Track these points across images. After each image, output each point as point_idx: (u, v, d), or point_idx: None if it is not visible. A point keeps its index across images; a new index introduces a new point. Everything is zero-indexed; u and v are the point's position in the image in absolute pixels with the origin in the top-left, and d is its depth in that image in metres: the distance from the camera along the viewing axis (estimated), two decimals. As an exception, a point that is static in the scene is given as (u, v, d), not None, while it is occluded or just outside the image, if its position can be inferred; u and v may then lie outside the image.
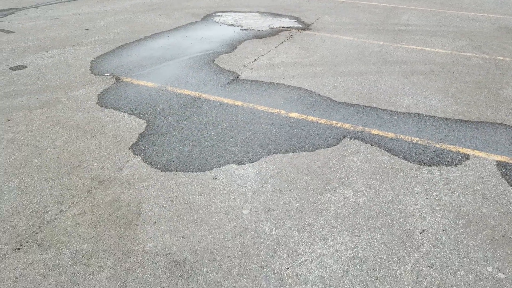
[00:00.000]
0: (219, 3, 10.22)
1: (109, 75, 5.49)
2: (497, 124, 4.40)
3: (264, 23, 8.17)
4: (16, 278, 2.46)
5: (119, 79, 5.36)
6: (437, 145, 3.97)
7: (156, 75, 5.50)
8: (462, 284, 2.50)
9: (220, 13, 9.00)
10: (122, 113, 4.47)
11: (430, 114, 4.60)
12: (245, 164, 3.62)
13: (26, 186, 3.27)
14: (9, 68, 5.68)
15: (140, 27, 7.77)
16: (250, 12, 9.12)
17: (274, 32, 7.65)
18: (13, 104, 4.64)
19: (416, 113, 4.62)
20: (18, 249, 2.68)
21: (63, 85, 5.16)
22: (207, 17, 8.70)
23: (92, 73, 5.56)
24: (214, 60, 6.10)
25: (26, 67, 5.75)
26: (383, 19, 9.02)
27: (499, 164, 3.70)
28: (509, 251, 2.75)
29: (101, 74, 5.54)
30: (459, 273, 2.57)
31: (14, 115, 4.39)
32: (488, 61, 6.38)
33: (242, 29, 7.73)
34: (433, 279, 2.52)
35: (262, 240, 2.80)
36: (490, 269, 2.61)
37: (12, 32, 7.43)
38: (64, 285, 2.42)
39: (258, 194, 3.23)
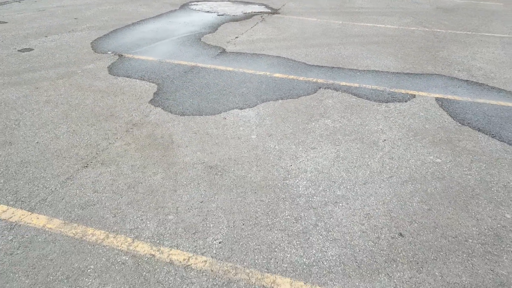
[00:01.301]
0: (191, -6, 11.05)
1: (111, 53, 6.26)
2: (435, 75, 5.61)
3: (237, 10, 9.11)
4: (93, 182, 3.31)
5: (121, 55, 6.15)
6: (391, 90, 5.09)
7: (153, 52, 6.32)
8: (413, 166, 3.59)
9: (196, 2, 9.85)
10: (134, 79, 5.30)
11: (385, 70, 5.75)
12: (245, 109, 4.57)
13: (74, 130, 4.07)
14: (18, 51, 6.32)
15: (125, 15, 8.50)
16: (222, 1, 10.04)
17: (248, 16, 8.62)
18: (35, 77, 5.34)
19: (374, 70, 5.75)
20: (86, 166, 3.51)
21: (74, 62, 5.89)
22: (184, 6, 9.54)
23: (95, 52, 6.30)
24: (201, 39, 6.99)
25: (33, 49, 6.40)
26: (340, 4, 10.21)
27: (437, 99, 4.87)
28: (443, 148, 3.88)
29: (103, 52, 6.30)
30: (411, 160, 3.67)
31: (40, 85, 5.11)
32: (428, 33, 7.67)
33: (218, 15, 8.64)
34: (393, 165, 3.60)
35: (269, 151, 3.77)
36: (431, 157, 3.73)
37: (5, 22, 7.95)
38: (130, 184, 3.29)
39: (260, 126, 4.20)
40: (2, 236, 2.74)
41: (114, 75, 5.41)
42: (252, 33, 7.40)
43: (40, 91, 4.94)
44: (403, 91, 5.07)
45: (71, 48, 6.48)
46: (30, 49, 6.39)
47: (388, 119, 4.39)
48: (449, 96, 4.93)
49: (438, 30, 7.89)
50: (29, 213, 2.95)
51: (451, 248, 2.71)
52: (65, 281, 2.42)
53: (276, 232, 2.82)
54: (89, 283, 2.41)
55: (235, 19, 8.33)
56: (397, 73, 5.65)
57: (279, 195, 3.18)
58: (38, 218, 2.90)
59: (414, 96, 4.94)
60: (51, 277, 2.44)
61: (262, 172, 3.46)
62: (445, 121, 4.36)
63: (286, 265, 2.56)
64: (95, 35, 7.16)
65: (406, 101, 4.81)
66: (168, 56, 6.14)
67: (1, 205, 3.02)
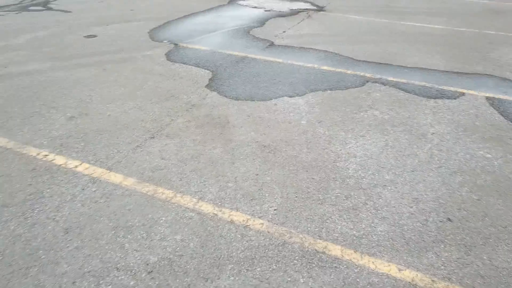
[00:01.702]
0: (239, -9, 11.41)
1: (167, 42, 6.66)
2: (486, 75, 5.64)
3: (284, 6, 9.37)
4: (159, 150, 3.64)
5: (177, 44, 6.53)
6: (440, 87, 5.19)
7: (205, 42, 6.67)
8: (462, 159, 3.71)
9: (244, -2, 10.19)
10: (190, 66, 5.65)
11: (433, 68, 5.83)
12: (295, 97, 4.81)
13: (140, 107, 4.44)
14: (84, 37, 6.83)
15: (177, 8, 8.94)
16: (270, -3, 10.33)
17: (294, 12, 8.86)
18: (102, 60, 5.79)
19: (422, 67, 5.85)
20: (153, 137, 3.86)
21: (134, 48, 6.33)
22: (232, 1, 9.89)
23: (152, 40, 6.73)
24: (249, 32, 7.29)
25: (96, 36, 6.90)
26: (385, 3, 10.27)
27: (487, 98, 4.93)
28: (493, 144, 3.97)
29: (160, 41, 6.71)
30: (460, 154, 3.79)
31: (107, 67, 5.55)
32: (478, 34, 7.65)
33: (265, 10, 8.93)
34: (441, 156, 3.74)
35: (319, 136, 3.99)
36: (481, 152, 3.83)
37: (69, 12, 8.56)
38: (193, 155, 3.60)
39: (310, 113, 4.43)
40: (87, 188, 3.11)
41: (172, 61, 5.79)
42: (298, 28, 7.63)
43: (108, 72, 5.37)
44: (452, 88, 5.15)
45: (130, 36, 6.93)
46: (94, 36, 6.89)
47: (437, 114, 4.51)
48: (500, 96, 4.97)
49: (489, 32, 7.84)
50: (108, 171, 3.31)
51: (501, 237, 2.82)
52: (142, 227, 2.75)
53: (327, 206, 3.04)
54: (162, 231, 2.72)
55: (282, 15, 8.59)
56: (446, 71, 5.72)
57: (329, 175, 3.40)
58: (115, 176, 3.26)
59: (463, 94, 5.02)
60: (130, 223, 2.77)
61: (312, 154, 3.68)
62: (495, 120, 4.43)
63: (337, 235, 2.78)
64: (151, 25, 7.60)
65: (455, 99, 4.90)
66: (220, 46, 6.46)
67: (84, 163, 3.41)
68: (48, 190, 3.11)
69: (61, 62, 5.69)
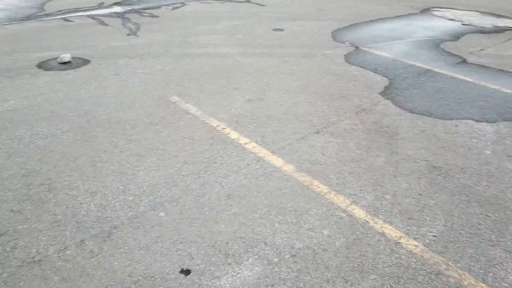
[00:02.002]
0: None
1: (349, 44, 6.67)
2: None
3: (486, 21, 8.40)
4: (321, 146, 3.71)
5: (357, 47, 6.50)
6: None
7: (388, 49, 6.46)
8: None
9: (438, 9, 9.50)
10: (367, 70, 5.56)
11: None
12: (482, 122, 4.29)
13: (310, 102, 4.59)
14: (272, 30, 7.36)
15: (364, 12, 8.87)
16: (469, 10, 9.38)
17: (499, 30, 7.86)
18: (283, 52, 6.16)
19: None
20: (317, 133, 3.94)
21: (315, 45, 6.54)
22: (425, 11, 9.31)
23: (334, 41, 6.83)
24: (439, 45, 6.76)
25: (283, 30, 7.36)
26: None
27: None
28: None
29: (341, 42, 6.77)
30: None
31: (287, 59, 5.88)
32: None
33: (463, 24, 8.14)
34: None
35: (505, 171, 3.47)
36: None
37: (264, 5, 9.32)
38: (353, 158, 3.55)
39: (498, 144, 3.89)
40: (252, 164, 3.38)
41: (349, 64, 5.79)
42: (501, 47, 6.75)
43: (287, 64, 5.69)
44: None
45: (314, 34, 7.18)
46: (281, 30, 7.36)
47: None
48: None
49: None
50: (271, 154, 3.54)
51: None
52: (293, 212, 2.86)
53: (500, 250, 2.65)
54: (311, 221, 2.78)
55: (482, 31, 7.72)
56: None
57: (510, 217, 2.95)
58: (277, 159, 3.46)
59: None
60: (283, 205, 2.92)
61: (492, 189, 3.24)
62: None
63: (506, 285, 2.41)
64: (335, 26, 7.73)
65: None
66: (403, 55, 6.18)
67: (253, 142, 3.71)
68: (220, 158, 3.48)
69: (249, 49, 6.25)
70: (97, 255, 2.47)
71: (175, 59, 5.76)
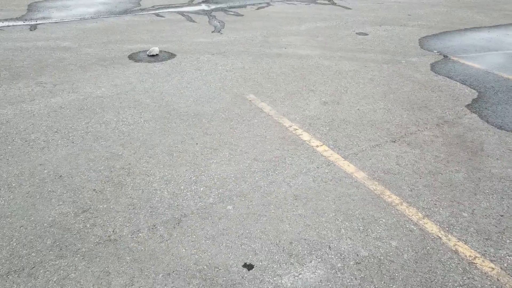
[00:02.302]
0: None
1: (437, 52, 6.31)
2: None
3: None
4: (397, 156, 3.55)
5: (446, 56, 6.12)
6: None
7: (481, 60, 6.00)
8: None
9: (544, 19, 8.62)
10: (454, 81, 5.22)
11: None
12: None
13: (389, 109, 4.42)
14: (356, 33, 7.20)
15: (458, 20, 8.32)
16: None
17: None
18: (365, 57, 6.00)
19: None
20: (394, 142, 3.79)
21: (399, 52, 6.28)
22: (528, 21, 8.50)
23: (421, 48, 6.50)
24: (541, 58, 6.14)
25: (367, 34, 7.16)
26: None
27: None
28: None
29: (429, 50, 6.42)
30: None
31: (368, 64, 5.72)
32: None
33: None
34: None
35: None
36: None
37: (349, 8, 9.15)
38: (430, 171, 3.36)
39: None
40: (321, 168, 3.35)
41: (435, 73, 5.48)
42: None
43: (367, 69, 5.54)
44: None
45: (400, 40, 6.90)
46: (365, 34, 7.18)
47: None
48: None
49: None
50: (343, 159, 3.48)
51: None
52: (361, 220, 2.79)
53: None
54: (379, 231, 2.69)
55: None
56: None
57: None
58: (348, 165, 3.39)
59: None
60: (351, 212, 2.85)
61: None
62: None
63: None
64: (424, 33, 7.35)
65: None
66: (497, 68, 5.71)
67: (324, 145, 3.68)
68: (290, 158, 3.50)
69: (329, 52, 6.18)
70: (166, 240, 2.62)
71: (255, 58, 5.87)
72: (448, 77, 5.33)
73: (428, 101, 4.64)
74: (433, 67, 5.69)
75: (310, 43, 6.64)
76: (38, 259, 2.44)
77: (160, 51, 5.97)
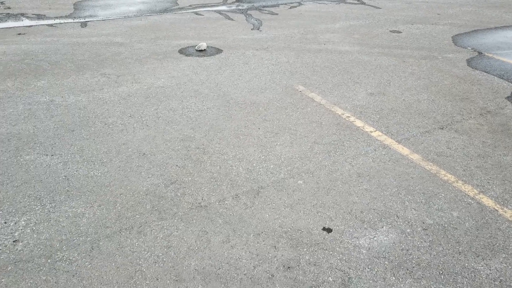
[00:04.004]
0: None
1: (471, 49, 6.55)
2: None
3: None
4: (447, 141, 3.83)
5: (481, 53, 6.36)
6: None
7: (514, 56, 6.23)
8: None
9: None
10: (492, 76, 5.46)
11: None
12: None
13: (433, 100, 4.69)
14: (389, 31, 7.47)
15: (487, 19, 8.53)
16: None
17: None
18: (402, 53, 6.27)
19: None
20: (442, 128, 4.06)
21: (435, 48, 6.53)
22: (557, 20, 8.66)
23: (455, 45, 6.75)
24: None
25: (401, 32, 7.43)
26: None
27: None
28: None
29: (463, 47, 6.66)
30: None
31: (406, 60, 5.99)
32: None
33: None
34: None
35: None
36: None
37: (379, 8, 9.41)
38: (479, 154, 3.63)
39: None
40: (378, 150, 3.66)
41: (472, 68, 5.73)
42: None
43: (406, 64, 5.81)
44: None
45: (433, 37, 7.15)
46: (398, 32, 7.44)
47: None
48: None
49: None
50: (397, 143, 3.77)
51: None
52: (422, 194, 3.08)
53: None
54: (440, 204, 2.98)
55: None
56: None
57: None
58: (403, 148, 3.68)
59: None
60: (411, 187, 3.15)
61: None
62: None
63: None
64: (455, 31, 7.58)
65: None
66: (531, 63, 5.93)
67: (378, 131, 3.97)
68: (348, 142, 3.80)
69: (367, 48, 6.47)
70: (250, 207, 2.94)
71: (297, 53, 6.19)
72: (485, 72, 5.57)
73: (469, 93, 4.90)
74: (469, 62, 5.93)
75: (347, 40, 6.93)
76: (143, 220, 2.79)
77: (208, 47, 6.33)
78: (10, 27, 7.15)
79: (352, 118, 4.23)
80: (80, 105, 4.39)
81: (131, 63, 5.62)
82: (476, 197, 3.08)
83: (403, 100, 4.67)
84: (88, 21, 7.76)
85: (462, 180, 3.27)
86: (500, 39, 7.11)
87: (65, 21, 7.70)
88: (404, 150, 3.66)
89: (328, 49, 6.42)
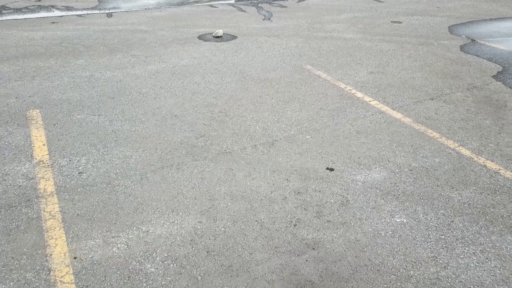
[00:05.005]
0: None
1: (465, 37, 7.13)
2: None
3: None
4: (435, 108, 4.42)
5: (474, 40, 6.93)
6: None
7: (506, 43, 6.79)
8: None
9: None
10: (481, 58, 6.04)
11: None
12: None
13: (426, 77, 5.28)
14: (390, 22, 8.07)
15: (483, 12, 9.08)
16: None
17: None
18: (401, 40, 6.86)
19: None
20: (432, 99, 4.66)
21: (431, 36, 7.12)
22: (550, 13, 9.19)
23: (451, 34, 7.33)
24: (560, 43, 6.88)
25: (401, 22, 8.02)
26: None
27: None
28: None
29: (458, 35, 7.24)
30: None
31: (404, 46, 6.58)
32: None
33: None
34: None
35: None
36: None
37: (382, 1, 10.00)
38: (462, 118, 4.22)
39: None
40: (376, 114, 4.27)
41: (464, 52, 6.31)
42: None
43: (404, 49, 6.41)
44: None
45: (431, 27, 7.73)
46: (399, 22, 8.03)
47: None
48: None
49: None
50: (392, 109, 4.38)
51: None
52: (410, 146, 3.68)
53: None
54: (425, 153, 3.59)
55: None
56: None
57: None
58: (397, 113, 4.29)
59: None
60: (402, 141, 3.75)
61: None
62: None
63: None
64: (452, 22, 8.15)
65: None
66: (520, 49, 6.49)
67: (375, 100, 4.59)
68: (349, 108, 4.41)
69: (369, 36, 7.07)
70: (266, 154, 3.57)
71: (305, 39, 6.80)
72: (476, 56, 6.15)
73: (459, 72, 5.49)
74: (462, 48, 6.51)
75: (351, 29, 7.53)
76: (180, 161, 3.42)
77: (224, 34, 6.96)
78: (43, 17, 7.84)
79: (353, 91, 4.84)
80: (116, 78, 5.04)
81: (156, 47, 6.27)
82: (456, 148, 3.67)
83: (400, 77, 5.27)
84: (113, 12, 8.43)
85: (446, 137, 3.87)
86: (493, 29, 7.67)
87: (92, 12, 8.38)
88: (397, 115, 4.27)
89: (333, 36, 7.03)
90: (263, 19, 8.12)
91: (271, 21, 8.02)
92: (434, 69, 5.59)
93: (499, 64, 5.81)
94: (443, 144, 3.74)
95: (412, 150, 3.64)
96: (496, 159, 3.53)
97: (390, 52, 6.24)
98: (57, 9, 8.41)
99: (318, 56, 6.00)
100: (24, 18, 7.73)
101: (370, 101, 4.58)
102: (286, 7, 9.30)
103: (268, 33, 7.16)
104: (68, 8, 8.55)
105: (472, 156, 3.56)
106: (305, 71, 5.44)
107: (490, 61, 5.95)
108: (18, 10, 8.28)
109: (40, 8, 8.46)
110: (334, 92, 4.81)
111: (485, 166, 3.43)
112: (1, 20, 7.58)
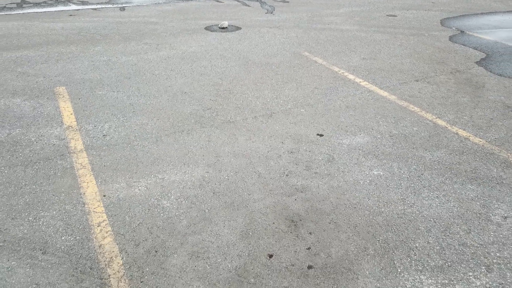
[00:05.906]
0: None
1: (455, 28, 7.59)
2: None
3: None
4: (419, 88, 4.90)
5: (463, 31, 7.39)
6: None
7: (493, 34, 7.25)
8: None
9: (556, 7, 9.71)
10: (467, 47, 6.51)
11: None
12: None
13: (414, 63, 5.76)
14: (386, 15, 8.54)
15: (476, 6, 9.53)
16: None
17: None
18: (396, 31, 7.34)
19: None
20: (417, 81, 5.13)
21: (423, 28, 7.58)
22: (541, 8, 9.61)
23: (442, 26, 7.79)
24: (545, 34, 7.32)
25: (396, 16, 8.49)
26: None
27: None
28: None
29: (448, 27, 7.70)
30: None
31: (396, 36, 7.06)
32: None
33: None
34: None
35: None
36: None
37: (380, -3, 10.47)
38: (443, 96, 4.69)
39: None
40: (364, 93, 4.76)
41: (452, 42, 6.78)
42: None
43: (397, 39, 6.88)
44: None
45: (424, 20, 8.19)
46: (394, 16, 8.50)
47: None
48: None
49: None
50: (379, 89, 4.86)
51: None
52: (392, 118, 4.17)
53: None
54: (405, 124, 4.07)
55: None
56: None
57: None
58: (383, 92, 4.78)
59: None
60: (386, 115, 4.24)
61: (554, 122, 4.18)
62: None
63: None
64: (445, 15, 8.61)
65: None
66: (505, 39, 6.94)
67: (365, 81, 5.08)
68: (341, 88, 4.90)
69: (365, 28, 7.55)
70: (265, 123, 4.07)
71: (305, 30, 7.30)
72: (463, 45, 6.62)
73: (445, 59, 5.96)
74: (451, 38, 6.98)
75: (349, 21, 8.02)
76: (190, 127, 3.93)
77: (229, 25, 7.47)
78: (61, 10, 8.40)
79: (346, 74, 5.33)
80: (131, 62, 5.57)
81: (166, 36, 6.79)
82: (433, 120, 4.16)
83: (390, 63, 5.76)
84: (125, 6, 8.98)
85: (425, 111, 4.35)
86: (483, 22, 8.13)
87: (106, 6, 8.93)
88: (384, 93, 4.75)
89: (331, 28, 7.52)
90: (266, 13, 8.63)
91: (274, 14, 8.52)
92: (422, 56, 6.07)
93: (483, 52, 6.27)
94: (422, 117, 4.22)
95: (394, 121, 4.12)
96: (468, 129, 4.01)
97: (383, 42, 6.72)
98: (73, 3, 8.97)
99: (316, 45, 6.50)
100: (44, 11, 8.30)
101: (360, 82, 5.07)
102: (288, 2, 9.80)
103: (270, 24, 7.66)
104: (83, 3, 9.11)
105: (446, 126, 4.04)
106: (303, 57, 5.94)
107: (476, 49, 6.41)
108: (37, 4, 8.85)
109: (58, 2, 9.03)
110: (328, 74, 5.30)
111: (457, 133, 3.91)
112: (23, 13, 8.15)
